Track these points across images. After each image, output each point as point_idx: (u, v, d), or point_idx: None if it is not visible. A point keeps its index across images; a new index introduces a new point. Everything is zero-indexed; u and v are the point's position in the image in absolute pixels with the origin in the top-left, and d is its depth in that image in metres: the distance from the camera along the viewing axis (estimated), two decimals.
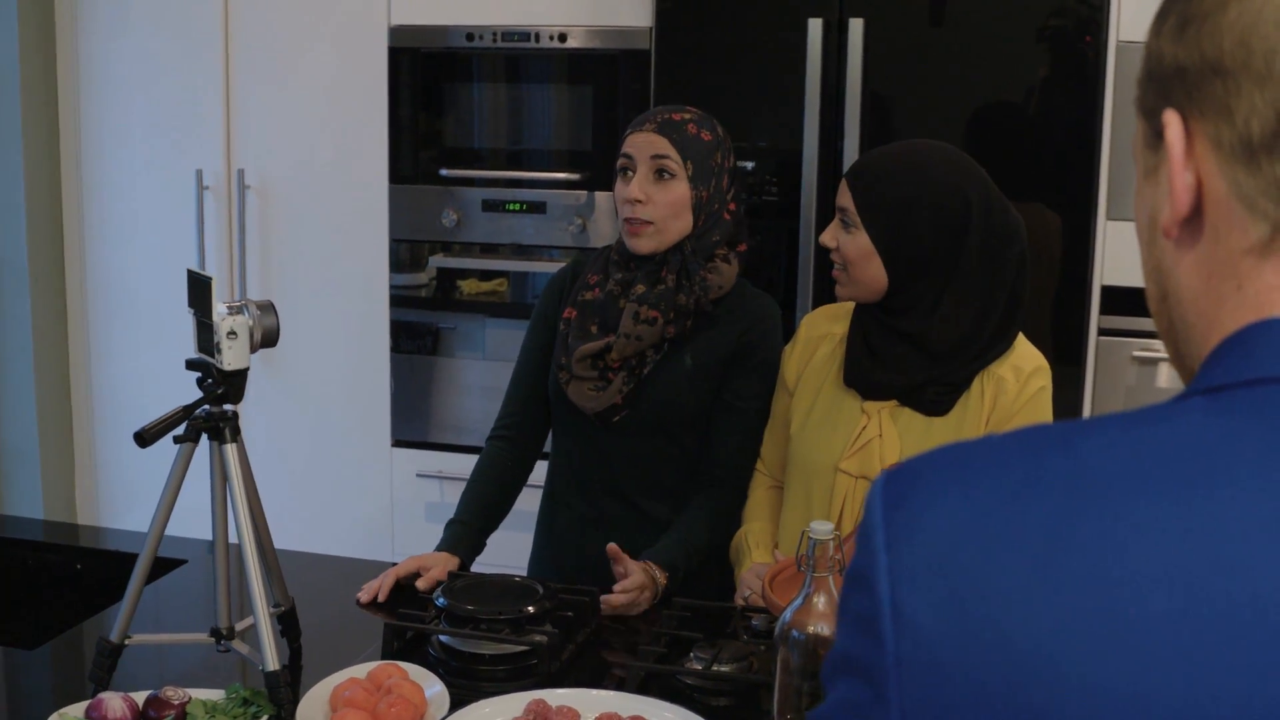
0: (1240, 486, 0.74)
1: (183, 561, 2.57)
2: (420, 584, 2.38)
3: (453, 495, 3.93)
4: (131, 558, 2.60)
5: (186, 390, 4.35)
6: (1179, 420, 0.78)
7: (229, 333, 1.91)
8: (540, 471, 2.76)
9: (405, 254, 3.94)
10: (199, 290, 1.93)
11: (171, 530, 2.73)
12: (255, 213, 4.01)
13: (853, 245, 2.29)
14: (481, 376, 3.88)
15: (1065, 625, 0.73)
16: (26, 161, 4.04)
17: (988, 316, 2.29)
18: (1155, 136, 0.86)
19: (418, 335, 3.97)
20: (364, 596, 2.39)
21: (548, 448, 2.74)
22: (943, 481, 0.80)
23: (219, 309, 1.92)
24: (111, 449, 4.27)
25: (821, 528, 1.76)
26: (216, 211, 4.03)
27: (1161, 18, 0.86)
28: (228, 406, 1.97)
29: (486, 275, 3.93)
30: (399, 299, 3.95)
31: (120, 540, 2.77)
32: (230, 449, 1.96)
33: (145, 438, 1.85)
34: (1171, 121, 0.84)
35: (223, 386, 1.95)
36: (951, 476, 0.80)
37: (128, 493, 4.26)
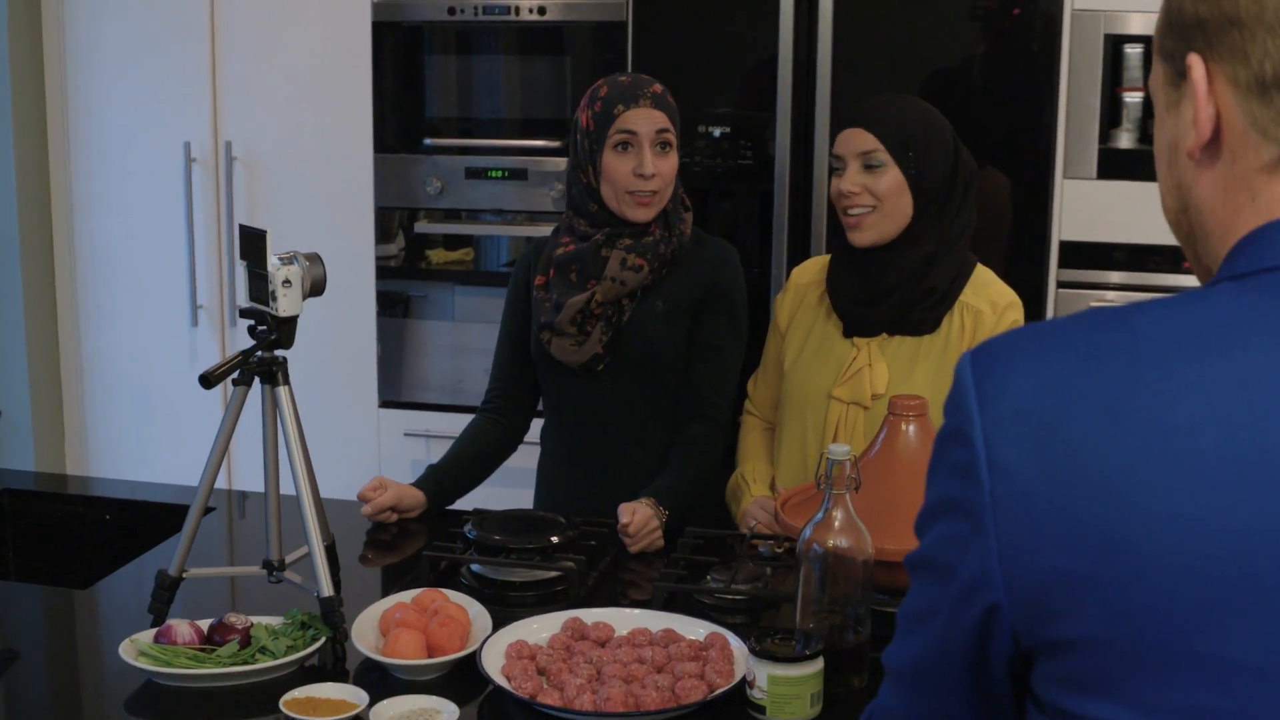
0: (1266, 350, 0.92)
1: (211, 509, 2.70)
2: (366, 510, 2.60)
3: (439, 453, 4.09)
4: (156, 506, 2.76)
5: (175, 357, 4.45)
6: (1212, 300, 0.97)
7: (284, 281, 2.05)
8: (533, 425, 2.92)
9: (390, 222, 4.08)
10: (252, 243, 2.06)
11: (190, 481, 2.88)
12: (243, 184, 4.13)
13: (885, 181, 2.50)
14: (476, 338, 4.03)
15: (1131, 462, 0.91)
16: (15, 135, 4.13)
17: (954, 236, 2.56)
18: (1177, 76, 1.04)
19: (402, 301, 4.12)
20: (368, 510, 2.61)
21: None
22: (1022, 353, 0.98)
23: (272, 260, 2.06)
24: (101, 415, 4.38)
25: (839, 449, 1.94)
26: (204, 183, 4.15)
27: None
28: (279, 352, 2.11)
29: (468, 241, 4.08)
30: (384, 265, 4.09)
31: (150, 492, 2.88)
32: (283, 391, 2.10)
33: (210, 380, 1.99)
34: (1195, 64, 1.02)
35: (276, 332, 2.08)
36: (1029, 349, 0.98)
37: (116, 458, 4.37)
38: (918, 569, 1.03)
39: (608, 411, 2.75)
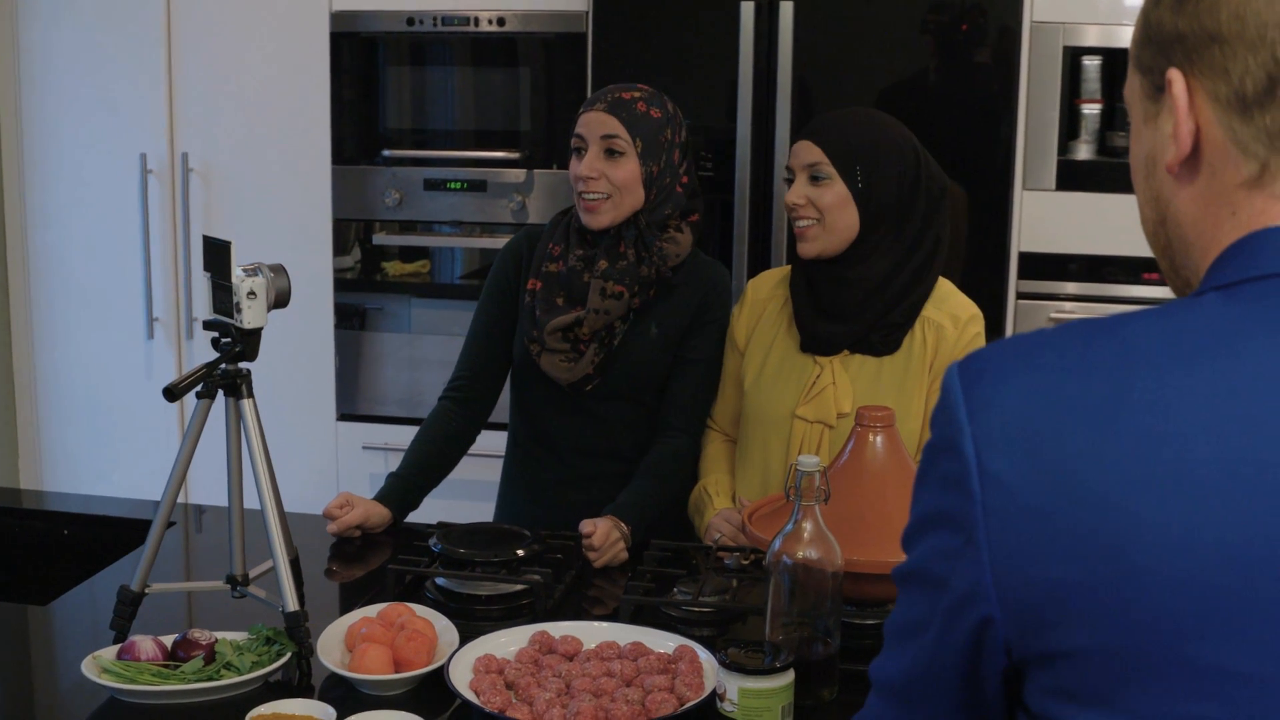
0: (1256, 358, 0.92)
1: (171, 524, 2.67)
2: (331, 528, 2.60)
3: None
4: (113, 520, 2.73)
5: (130, 370, 4.41)
6: (1200, 309, 0.97)
7: (249, 293, 2.03)
8: (490, 440, 2.90)
9: (348, 233, 4.06)
10: (217, 254, 2.04)
11: (147, 495, 2.84)
12: (199, 196, 4.10)
13: (829, 194, 2.50)
14: (432, 351, 4.01)
15: (1125, 472, 0.91)
16: None
17: (914, 254, 2.53)
18: (1155, 89, 1.04)
19: (359, 313, 4.10)
20: (334, 528, 2.60)
21: (502, 418, 2.87)
22: (1011, 362, 0.98)
23: (237, 272, 2.04)
24: (55, 429, 4.33)
25: (809, 460, 1.94)
26: (160, 195, 4.11)
27: None
28: (243, 364, 2.08)
29: (424, 253, 4.06)
30: (342, 277, 4.07)
31: (105, 506, 2.85)
32: (247, 404, 2.08)
33: (175, 392, 1.96)
34: (1176, 79, 1.02)
35: (240, 345, 2.06)
36: (1018, 358, 0.98)
37: (71, 471, 4.32)
38: (907, 582, 1.03)
39: (589, 424, 2.74)
